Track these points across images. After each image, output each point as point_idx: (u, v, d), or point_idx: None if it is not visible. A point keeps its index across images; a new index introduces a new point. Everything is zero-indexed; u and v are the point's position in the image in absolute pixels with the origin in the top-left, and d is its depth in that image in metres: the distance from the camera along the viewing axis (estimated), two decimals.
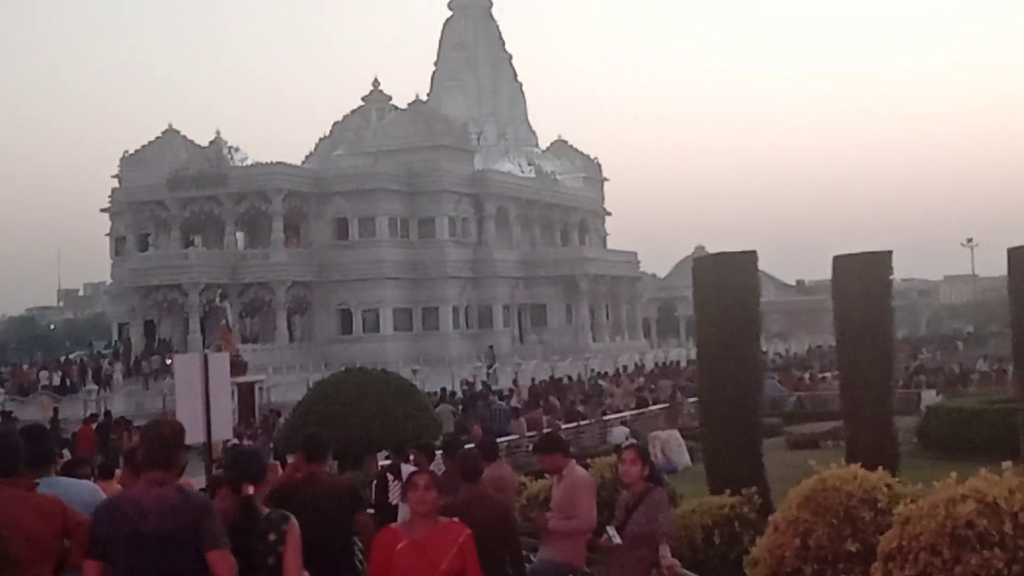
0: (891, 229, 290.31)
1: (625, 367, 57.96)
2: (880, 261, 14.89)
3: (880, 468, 9.15)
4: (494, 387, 45.33)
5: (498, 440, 17.89)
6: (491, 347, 59.50)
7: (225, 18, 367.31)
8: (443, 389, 40.65)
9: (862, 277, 14.83)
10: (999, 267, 15.48)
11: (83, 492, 6.62)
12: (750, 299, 14.24)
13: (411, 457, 13.18)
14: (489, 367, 52.78)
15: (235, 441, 18.88)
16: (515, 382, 48.45)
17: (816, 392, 39.59)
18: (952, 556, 6.68)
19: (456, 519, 5.95)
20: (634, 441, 20.54)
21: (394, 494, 12.18)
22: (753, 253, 14.46)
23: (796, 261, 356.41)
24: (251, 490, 6.29)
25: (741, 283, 14.22)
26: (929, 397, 31.30)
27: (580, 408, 32.77)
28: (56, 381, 51.08)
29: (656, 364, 62.57)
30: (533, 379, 49.88)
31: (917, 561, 6.80)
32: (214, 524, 5.59)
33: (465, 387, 46.22)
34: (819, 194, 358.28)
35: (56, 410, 37.92)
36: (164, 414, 33.32)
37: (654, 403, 34.85)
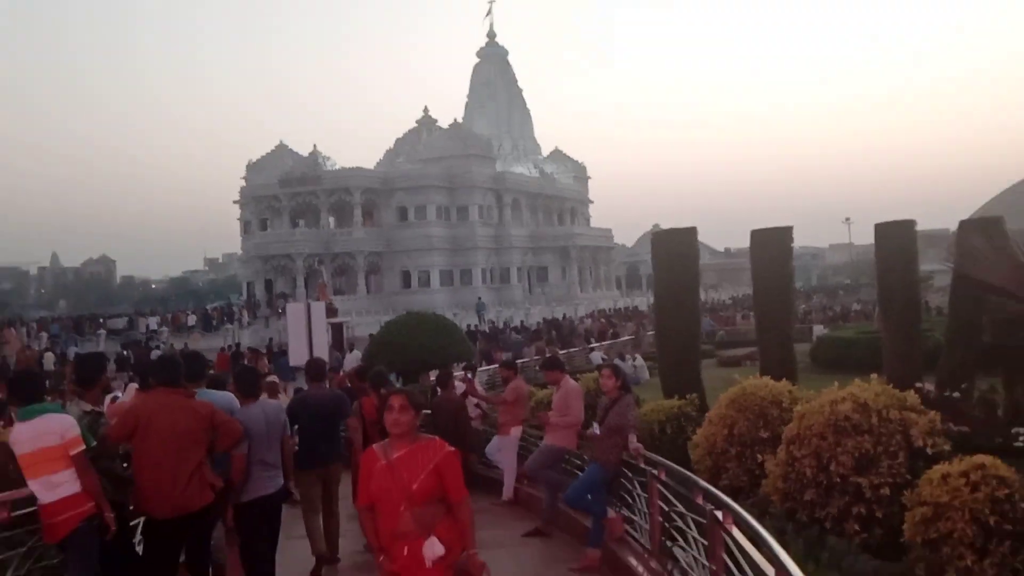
0: (790, 208, 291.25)
1: (602, 310, 58.28)
2: (784, 234, 14.79)
3: (784, 379, 9.18)
4: (505, 325, 45.64)
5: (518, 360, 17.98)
6: (480, 298, 59.33)
7: (322, 66, 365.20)
8: (469, 326, 40.90)
9: (771, 246, 14.74)
10: (870, 238, 15.45)
11: (223, 400, 6.70)
12: (691, 262, 14.22)
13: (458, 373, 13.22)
14: (480, 314, 52.64)
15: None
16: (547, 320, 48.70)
17: (737, 327, 39.70)
18: (835, 440, 6.72)
19: (438, 438, 4.51)
20: (610, 361, 20.62)
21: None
22: (693, 229, 14.41)
23: (724, 232, 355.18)
24: (382, 391, 8.76)
25: (685, 251, 14.20)
26: (818, 330, 31.20)
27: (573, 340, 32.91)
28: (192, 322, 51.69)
29: (624, 308, 62.86)
30: (544, 318, 50.09)
31: (810, 444, 6.85)
32: (347, 405, 8.56)
33: (490, 325, 46.28)
34: (739, 184, 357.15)
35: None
36: (280, 345, 33.61)
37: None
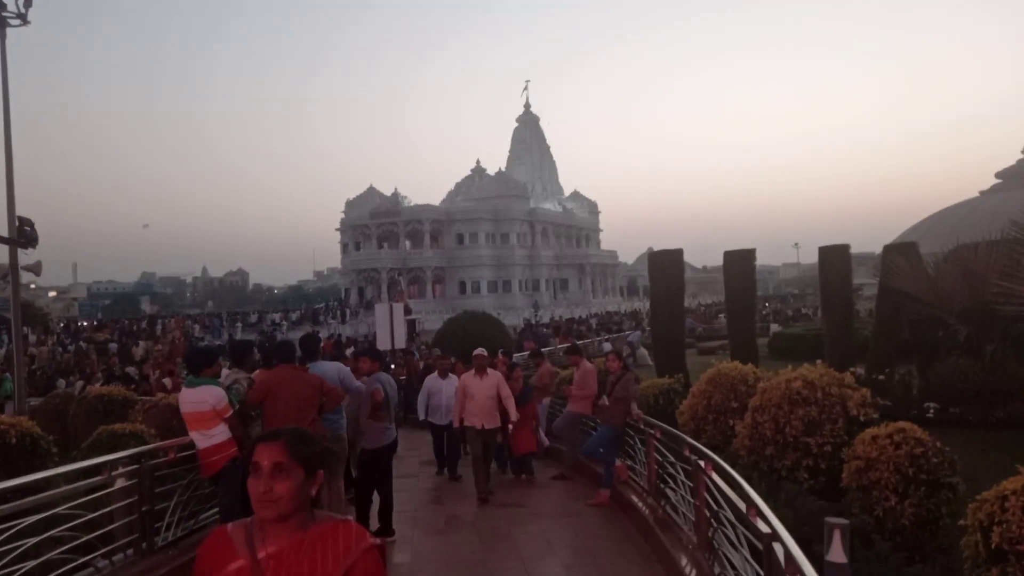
0: (756, 233, 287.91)
1: (607, 312, 57.96)
2: (749, 255, 14.64)
3: (749, 364, 9.08)
4: (538, 322, 45.45)
5: (544, 349, 17.85)
6: (535, 302, 59.55)
7: (401, 128, 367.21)
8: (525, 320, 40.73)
9: (739, 263, 14.61)
10: (815, 258, 15.26)
11: (332, 369, 6.76)
12: (678, 276, 14.14)
13: (500, 355, 12.74)
14: (535, 312, 52.70)
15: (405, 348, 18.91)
16: (561, 318, 48.50)
17: (712, 325, 39.29)
18: (789, 409, 6.63)
19: (351, 520, 1.75)
20: (613, 348, 20.51)
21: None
22: (680, 251, 14.32)
23: (702, 251, 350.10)
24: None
25: (673, 268, 14.12)
26: (775, 328, 30.85)
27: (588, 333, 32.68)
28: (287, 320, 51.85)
29: (625, 311, 62.48)
30: (561, 316, 49.85)
31: (770, 411, 6.76)
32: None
33: (525, 322, 46.18)
34: (714, 215, 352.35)
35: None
36: (368, 336, 33.86)
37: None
